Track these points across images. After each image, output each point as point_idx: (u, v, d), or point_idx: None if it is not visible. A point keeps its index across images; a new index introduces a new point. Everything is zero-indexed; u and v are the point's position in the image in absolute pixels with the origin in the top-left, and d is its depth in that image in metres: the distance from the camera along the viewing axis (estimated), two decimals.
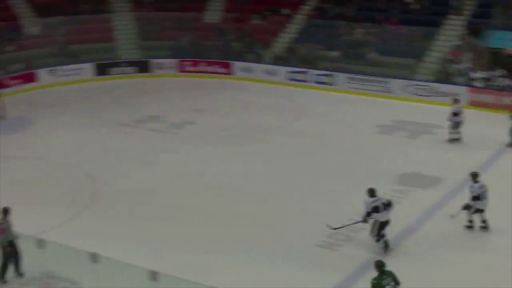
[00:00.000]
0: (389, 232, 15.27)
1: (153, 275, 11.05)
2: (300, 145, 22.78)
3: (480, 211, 16.24)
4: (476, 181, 16.26)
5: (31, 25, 34.40)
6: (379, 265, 12.17)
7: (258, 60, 33.23)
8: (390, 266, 12.21)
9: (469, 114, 23.62)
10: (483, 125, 24.40)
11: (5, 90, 28.74)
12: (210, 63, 33.65)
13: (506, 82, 26.92)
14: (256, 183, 19.51)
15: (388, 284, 12.02)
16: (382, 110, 26.86)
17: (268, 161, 21.30)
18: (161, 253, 15.09)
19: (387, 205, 15.29)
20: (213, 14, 36.56)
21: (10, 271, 13.69)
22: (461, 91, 27.05)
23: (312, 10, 34.54)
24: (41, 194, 18.95)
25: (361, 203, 15.47)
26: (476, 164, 19.54)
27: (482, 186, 16.19)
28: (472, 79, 27.62)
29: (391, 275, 12.14)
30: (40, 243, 11.46)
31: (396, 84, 28.82)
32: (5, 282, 13.61)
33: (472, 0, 31.34)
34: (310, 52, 32.23)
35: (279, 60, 32.65)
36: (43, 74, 31.76)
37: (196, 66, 33.71)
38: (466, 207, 16.23)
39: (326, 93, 29.81)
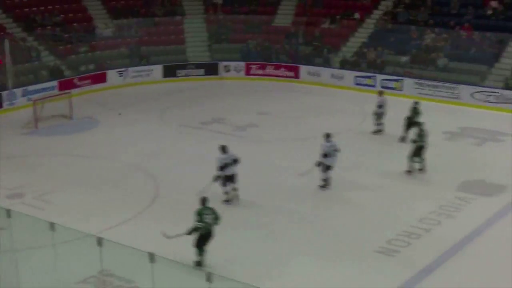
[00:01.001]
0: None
1: (209, 277, 11.10)
2: (367, 148, 22.59)
3: (328, 168, 18.71)
4: (328, 141, 18.84)
5: (104, 27, 35.09)
6: (203, 201, 14.63)
7: (326, 64, 33.10)
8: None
9: None
10: None
11: (74, 90, 29.39)
12: (278, 67, 33.67)
13: None
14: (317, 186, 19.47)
15: (207, 215, 14.33)
16: (450, 116, 26.39)
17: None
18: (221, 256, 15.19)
19: (235, 161, 17.76)
20: (284, 18, 36.53)
21: None
22: None
23: (383, 15, 34.18)
24: (103, 193, 19.29)
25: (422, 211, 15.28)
26: None
27: (332, 145, 18.74)
28: None
29: (212, 210, 14.48)
30: (99, 242, 11.64)
31: (465, 90, 28.27)
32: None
33: None
34: (379, 57, 31.90)
35: (347, 65, 32.44)
36: (113, 75, 32.36)
37: (264, 69, 33.79)
38: (318, 164, 18.64)
39: (393, 98, 29.42)
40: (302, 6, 36.57)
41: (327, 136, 18.96)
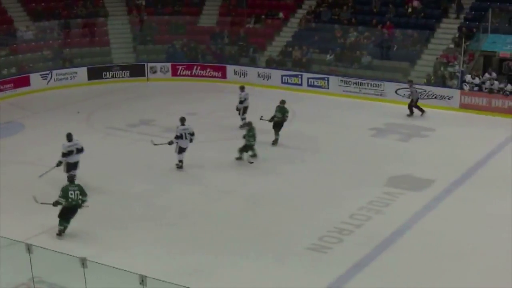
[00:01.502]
0: None
1: (143, 279, 11.01)
2: (293, 149, 22.78)
3: (183, 149, 20.59)
4: (183, 124, 20.61)
5: (25, 29, 34.30)
6: (70, 178, 16.45)
7: (253, 63, 33.25)
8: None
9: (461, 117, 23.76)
10: (475, 128, 24.60)
11: None
12: (204, 67, 33.63)
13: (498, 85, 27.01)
14: (247, 186, 19.53)
15: (73, 191, 15.90)
16: (376, 113, 26.88)
17: (260, 164, 21.29)
18: (152, 256, 15.10)
19: (79, 149, 19.09)
20: (208, 18, 36.49)
21: None
22: (455, 94, 27.42)
23: (307, 14, 34.53)
24: (29, 200, 18.84)
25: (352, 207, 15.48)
26: (466, 165, 19.70)
27: (185, 129, 20.51)
28: (465, 82, 27.68)
29: (79, 187, 16.11)
30: (28, 249, 11.42)
31: (389, 87, 28.87)
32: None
33: (466, 4, 31.46)
34: (305, 56, 32.24)
35: (273, 64, 32.66)
36: (36, 78, 31.67)
37: (191, 70, 33.68)
38: (170, 143, 20.55)
39: (320, 97, 29.83)
40: (226, 6, 36.64)
41: (182, 120, 20.80)
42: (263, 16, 35.36)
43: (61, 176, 18.25)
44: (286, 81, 31.47)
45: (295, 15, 35.04)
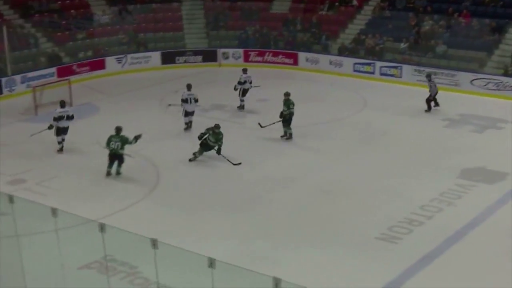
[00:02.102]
0: None
1: (212, 262, 11.11)
2: (363, 138, 22.61)
3: (189, 113, 23.25)
4: (189, 90, 23.34)
5: (101, 14, 34.94)
6: (117, 129, 19.20)
7: (325, 51, 33.07)
8: None
9: None
10: None
11: (73, 77, 29.37)
12: (276, 54, 33.63)
13: None
14: (315, 174, 19.48)
15: (114, 142, 18.95)
16: (449, 103, 26.40)
17: (329, 153, 21.22)
18: (221, 241, 15.25)
19: (70, 116, 21.39)
20: (281, 5, 36.45)
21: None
22: None
23: (381, 1, 34.09)
24: (104, 179, 19.32)
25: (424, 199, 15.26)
26: None
27: (190, 94, 23.15)
28: None
29: (122, 138, 19.04)
30: (102, 228, 11.65)
31: (464, 77, 28.28)
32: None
33: None
34: (378, 44, 31.87)
35: (345, 51, 32.42)
36: (111, 62, 32.29)
37: (262, 57, 33.74)
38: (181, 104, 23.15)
39: (392, 86, 29.49)
40: None
41: (188, 86, 23.50)
42: (336, 3, 35.08)
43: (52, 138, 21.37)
44: (358, 69, 31.20)
45: (369, 3, 34.60)
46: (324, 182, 18.80)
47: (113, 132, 19.38)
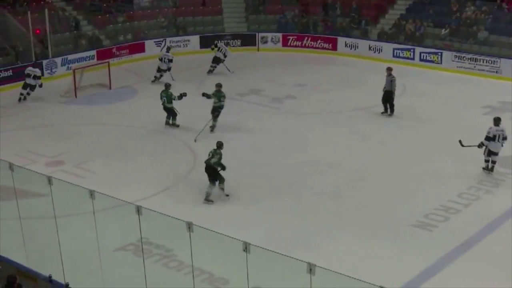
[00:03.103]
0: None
1: (247, 246, 11.15)
2: (402, 124, 22.44)
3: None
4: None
5: None
6: (165, 85, 21.52)
7: (364, 36, 32.82)
8: None
9: None
10: None
11: (112, 60, 29.62)
12: (315, 38, 33.46)
13: None
14: (353, 160, 19.40)
15: (162, 97, 21.38)
16: (490, 90, 26.05)
17: (365, 139, 21.12)
18: (255, 226, 15.30)
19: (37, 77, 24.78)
20: None
21: None
22: None
23: None
24: (141, 162, 19.49)
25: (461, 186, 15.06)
26: None
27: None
28: None
29: (167, 94, 21.18)
30: (138, 210, 11.76)
31: (506, 64, 27.84)
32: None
33: None
34: (418, 30, 31.52)
35: (385, 37, 32.12)
36: (150, 45, 32.46)
37: (301, 41, 33.60)
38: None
39: (431, 72, 29.18)
40: None
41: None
42: None
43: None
44: (397, 54, 30.90)
45: None
46: (361, 168, 18.72)
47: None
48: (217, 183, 16.74)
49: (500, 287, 12.95)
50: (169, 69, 27.97)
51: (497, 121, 18.26)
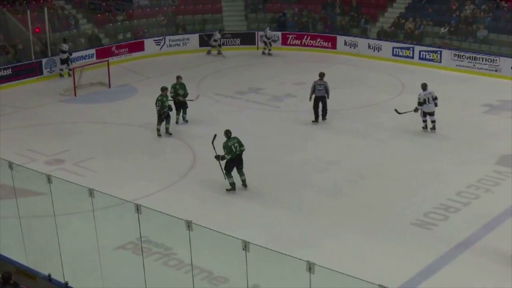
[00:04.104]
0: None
1: (246, 245, 11.15)
2: (401, 123, 22.42)
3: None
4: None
5: None
6: (227, 132, 17.21)
7: (364, 34, 32.82)
8: None
9: None
10: None
11: (112, 59, 29.62)
12: (314, 37, 33.45)
13: None
14: (354, 158, 19.39)
15: (233, 144, 16.96)
16: (490, 89, 26.05)
17: (366, 138, 21.12)
18: (256, 224, 15.30)
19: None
20: None
21: None
22: None
23: None
24: (140, 161, 19.48)
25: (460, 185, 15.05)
26: None
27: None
28: None
29: (236, 139, 17.09)
30: (138, 209, 11.76)
31: (505, 62, 27.82)
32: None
33: None
34: (417, 28, 31.51)
35: (384, 35, 32.12)
36: (150, 44, 32.45)
37: (301, 40, 33.59)
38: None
39: (431, 70, 29.17)
40: None
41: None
42: None
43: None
44: (397, 53, 30.90)
45: None
46: (361, 167, 18.71)
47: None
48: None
49: (499, 286, 12.96)
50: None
51: (424, 86, 21.06)
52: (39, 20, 29.43)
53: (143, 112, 23.45)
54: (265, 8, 35.70)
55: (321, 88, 22.07)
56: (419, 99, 20.80)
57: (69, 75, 27.93)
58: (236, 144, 16.99)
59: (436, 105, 20.96)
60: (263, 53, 32.58)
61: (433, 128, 21.04)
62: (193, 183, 17.91)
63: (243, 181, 17.29)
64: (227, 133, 17.21)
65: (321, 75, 22.38)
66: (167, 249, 14.06)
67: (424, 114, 21.07)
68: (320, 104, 22.13)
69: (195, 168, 18.84)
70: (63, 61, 28.82)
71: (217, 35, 32.61)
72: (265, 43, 32.68)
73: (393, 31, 32.25)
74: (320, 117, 22.28)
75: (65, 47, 28.95)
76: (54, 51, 29.27)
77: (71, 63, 28.62)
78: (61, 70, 28.87)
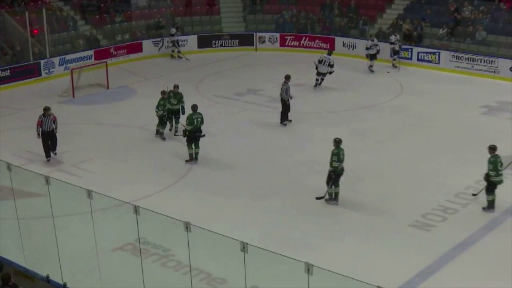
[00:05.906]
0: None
1: (244, 246, 11.14)
2: (399, 124, 22.44)
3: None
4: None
5: None
6: (193, 107, 19.02)
7: (362, 36, 32.82)
8: None
9: None
10: None
11: (110, 60, 29.59)
12: (312, 38, 33.44)
13: None
14: (351, 160, 19.38)
15: (196, 118, 18.80)
16: (488, 90, 26.06)
17: (364, 139, 21.12)
18: (253, 226, 15.29)
19: None
20: None
21: None
22: None
23: None
24: (139, 162, 19.48)
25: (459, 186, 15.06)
26: None
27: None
28: None
29: (200, 115, 18.93)
30: (136, 210, 11.77)
31: (503, 64, 27.86)
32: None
33: None
34: (416, 29, 31.52)
35: (383, 37, 32.11)
36: (148, 45, 32.45)
37: (299, 41, 33.59)
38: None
39: (429, 71, 29.18)
40: None
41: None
42: None
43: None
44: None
45: None
46: (359, 168, 18.67)
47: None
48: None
49: (498, 286, 12.96)
50: (330, 73, 26.51)
51: (329, 52, 26.50)
52: (38, 21, 29.40)
53: (142, 114, 23.44)
54: (264, 10, 35.66)
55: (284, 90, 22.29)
56: (319, 58, 26.17)
57: (179, 57, 31.71)
58: (199, 119, 18.83)
59: (330, 72, 26.03)
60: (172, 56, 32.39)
61: (320, 84, 26.34)
62: (191, 184, 17.92)
63: (196, 154, 19.11)
64: (194, 107, 19.05)
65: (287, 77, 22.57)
66: (165, 250, 14.06)
67: (318, 73, 25.97)
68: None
69: (193, 169, 18.83)
70: (174, 43, 31.69)
71: (173, 30, 32.35)
72: (174, 44, 32.30)
73: (392, 33, 32.19)
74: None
75: (173, 30, 31.82)
76: (52, 53, 29.23)
77: (179, 46, 31.66)
78: (172, 51, 31.99)
